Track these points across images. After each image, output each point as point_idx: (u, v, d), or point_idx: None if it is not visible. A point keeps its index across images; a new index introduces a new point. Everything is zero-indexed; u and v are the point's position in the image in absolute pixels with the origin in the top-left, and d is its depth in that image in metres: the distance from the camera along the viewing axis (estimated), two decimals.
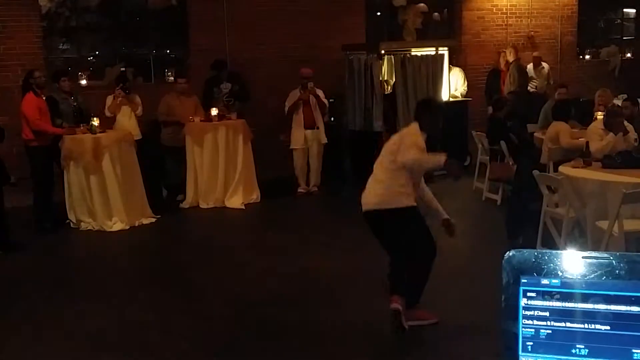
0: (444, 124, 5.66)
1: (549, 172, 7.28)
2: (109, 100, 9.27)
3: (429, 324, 5.12)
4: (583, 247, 5.82)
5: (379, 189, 5.09)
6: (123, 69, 9.58)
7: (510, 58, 11.73)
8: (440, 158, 5.13)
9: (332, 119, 10.83)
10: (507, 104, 9.45)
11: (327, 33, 11.35)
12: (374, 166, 5.22)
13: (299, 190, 9.96)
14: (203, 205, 9.32)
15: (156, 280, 6.68)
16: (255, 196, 9.58)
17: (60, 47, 11.46)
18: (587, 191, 6.01)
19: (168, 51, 12.29)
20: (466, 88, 11.83)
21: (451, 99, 11.51)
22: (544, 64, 12.05)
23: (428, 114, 5.35)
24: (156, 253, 7.78)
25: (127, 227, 8.34)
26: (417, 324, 5.04)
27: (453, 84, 11.68)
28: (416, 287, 5.11)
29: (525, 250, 1.03)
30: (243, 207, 9.28)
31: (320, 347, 5.04)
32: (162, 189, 9.91)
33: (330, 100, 10.46)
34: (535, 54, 11.91)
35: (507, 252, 1.04)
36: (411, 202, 5.07)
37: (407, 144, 5.08)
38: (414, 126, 5.22)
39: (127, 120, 9.28)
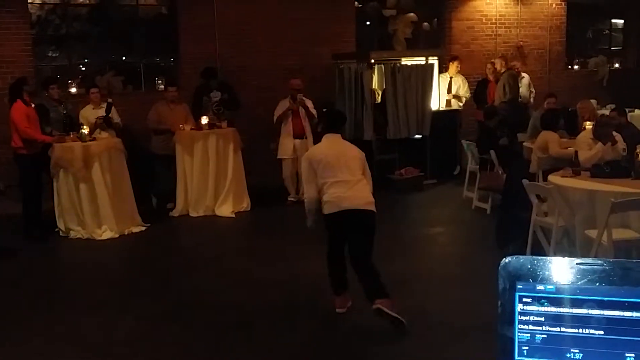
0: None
1: (538, 181, 7.32)
2: (86, 112, 9.00)
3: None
4: (572, 256, 5.84)
5: (368, 191, 5.45)
6: (110, 100, 9.25)
7: (500, 68, 11.80)
8: None
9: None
10: (498, 113, 9.50)
11: (318, 42, 11.39)
12: (343, 172, 5.41)
13: (289, 198, 9.96)
14: (193, 214, 9.31)
15: (146, 288, 6.65)
16: (246, 204, 9.58)
17: (49, 54, 11.44)
18: (576, 200, 6.05)
19: (158, 59, 12.29)
20: (468, 93, 11.87)
21: (441, 109, 11.57)
22: (524, 74, 12.11)
23: (344, 124, 6.07)
24: (146, 261, 7.75)
25: (117, 236, 8.31)
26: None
27: (455, 90, 11.76)
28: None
29: (521, 257, 1.05)
30: (233, 216, 9.27)
31: (313, 353, 5.04)
32: (152, 197, 9.88)
33: (324, 110, 10.44)
34: (513, 64, 11.94)
35: (504, 259, 1.05)
36: None
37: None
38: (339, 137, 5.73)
39: (106, 132, 9.14)
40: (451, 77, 11.75)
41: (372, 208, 5.40)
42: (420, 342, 5.09)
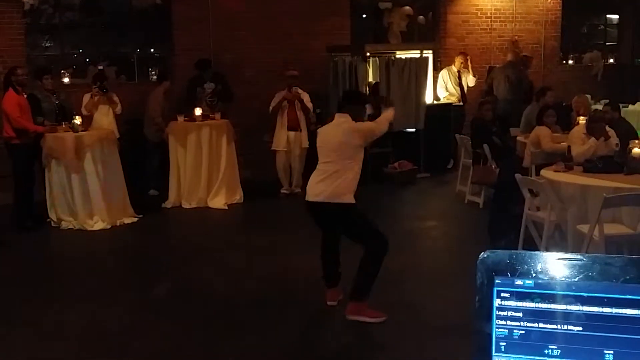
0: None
1: (531, 176, 7.31)
2: (86, 98, 9.19)
3: (375, 322, 5.15)
4: (564, 250, 5.85)
5: (337, 184, 5.15)
6: (101, 67, 9.54)
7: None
8: (389, 112, 5.58)
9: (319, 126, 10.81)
10: (489, 104, 9.47)
11: (312, 34, 11.34)
12: (325, 159, 5.24)
13: (282, 191, 9.95)
14: (185, 205, 9.28)
15: (137, 280, 6.64)
16: (238, 197, 9.55)
17: (43, 44, 11.36)
18: (568, 195, 6.04)
19: (152, 50, 12.23)
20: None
21: (435, 102, 11.56)
22: None
23: (358, 105, 5.52)
24: (137, 253, 7.72)
25: (109, 227, 8.28)
26: (362, 320, 5.14)
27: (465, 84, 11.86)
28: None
29: (499, 251, 1.03)
30: (226, 208, 9.24)
31: (302, 347, 5.03)
32: (151, 189, 9.87)
33: (317, 111, 10.40)
34: (509, 59, 11.96)
35: (482, 253, 1.04)
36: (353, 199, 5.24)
37: (363, 127, 5.34)
38: (346, 118, 5.25)
39: (105, 119, 9.23)
40: (459, 70, 11.80)
41: (335, 200, 5.11)
42: (408, 337, 5.07)
